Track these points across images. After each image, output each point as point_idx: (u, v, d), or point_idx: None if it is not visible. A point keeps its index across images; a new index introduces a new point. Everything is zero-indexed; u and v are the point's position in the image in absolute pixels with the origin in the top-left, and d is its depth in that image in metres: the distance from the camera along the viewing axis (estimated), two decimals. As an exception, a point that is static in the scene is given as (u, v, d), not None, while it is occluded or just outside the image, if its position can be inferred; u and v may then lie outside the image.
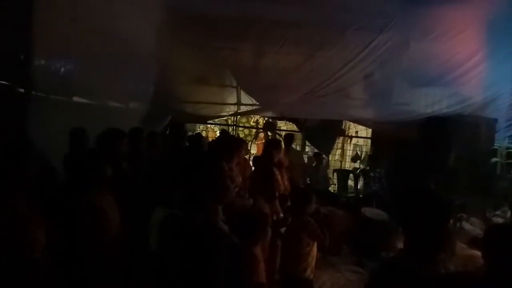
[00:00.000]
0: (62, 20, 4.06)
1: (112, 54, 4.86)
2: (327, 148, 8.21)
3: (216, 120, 9.03)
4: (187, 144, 5.21)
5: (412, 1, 5.85)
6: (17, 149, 1.96)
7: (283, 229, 3.52)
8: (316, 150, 8.12)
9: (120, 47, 5.05)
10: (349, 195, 7.63)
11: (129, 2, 5.18)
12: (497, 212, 5.79)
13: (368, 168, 7.25)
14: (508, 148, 7.02)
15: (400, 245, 4.77)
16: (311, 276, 3.24)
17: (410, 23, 6.10)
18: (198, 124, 10.01)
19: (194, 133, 7.78)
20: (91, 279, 2.39)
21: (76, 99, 4.63)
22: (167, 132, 6.59)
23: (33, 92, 3.91)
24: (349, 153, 9.22)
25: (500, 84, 6.57)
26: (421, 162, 5.96)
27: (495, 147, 6.73)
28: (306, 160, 7.97)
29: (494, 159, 6.59)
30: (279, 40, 6.33)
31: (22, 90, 3.88)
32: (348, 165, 8.99)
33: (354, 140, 9.27)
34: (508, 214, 5.50)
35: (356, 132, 8.98)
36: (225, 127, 9.01)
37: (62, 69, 4.33)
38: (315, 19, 6.15)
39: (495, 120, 6.65)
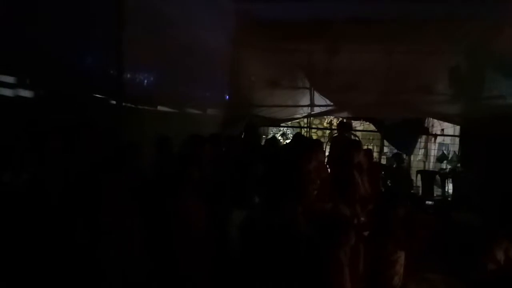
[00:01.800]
0: (146, 35, 4.37)
1: (192, 64, 5.12)
2: (408, 148, 7.70)
3: (289, 122, 9.02)
4: (263, 147, 5.27)
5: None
6: (127, 154, 2.14)
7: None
8: (396, 151, 7.68)
9: (199, 56, 5.30)
10: (436, 198, 7.09)
11: (205, 12, 5.40)
12: None
13: (457, 168, 6.67)
14: None
15: (499, 253, 4.33)
16: (399, 284, 3.04)
17: (501, 6, 5.50)
18: (271, 127, 10.07)
19: (268, 136, 7.86)
20: (179, 278, 2.51)
21: (160, 108, 4.95)
22: (243, 136, 6.74)
23: (123, 103, 4.26)
24: (434, 152, 8.57)
25: None
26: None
27: None
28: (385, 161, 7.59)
29: None
30: (354, 38, 6.13)
31: (114, 102, 4.25)
32: (432, 165, 8.36)
33: (439, 139, 8.60)
34: None
35: (442, 130, 8.30)
36: (298, 129, 8.95)
37: (148, 81, 4.67)
38: (391, 13, 5.85)
39: None
